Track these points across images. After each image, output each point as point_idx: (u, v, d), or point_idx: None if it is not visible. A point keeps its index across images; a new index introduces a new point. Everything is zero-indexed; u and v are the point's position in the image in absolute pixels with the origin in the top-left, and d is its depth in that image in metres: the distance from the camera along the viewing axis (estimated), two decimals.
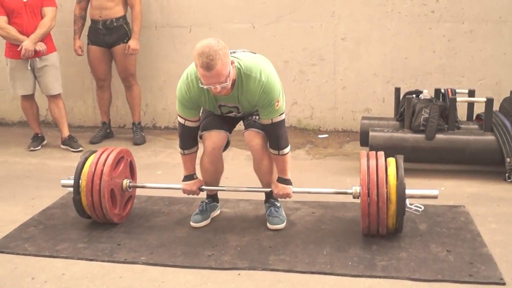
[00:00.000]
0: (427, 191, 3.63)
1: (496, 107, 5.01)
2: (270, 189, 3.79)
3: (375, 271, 3.24)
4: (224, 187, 3.97)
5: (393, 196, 3.44)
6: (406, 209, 3.49)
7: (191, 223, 3.90)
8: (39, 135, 6.07)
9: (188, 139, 3.72)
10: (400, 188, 3.44)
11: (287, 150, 3.63)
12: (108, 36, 5.88)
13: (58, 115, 5.92)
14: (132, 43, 5.85)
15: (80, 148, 5.80)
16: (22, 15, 5.61)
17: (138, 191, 4.26)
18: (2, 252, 3.63)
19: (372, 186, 3.44)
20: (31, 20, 5.64)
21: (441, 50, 5.81)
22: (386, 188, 3.44)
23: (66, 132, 5.93)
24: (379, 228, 3.53)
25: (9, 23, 5.62)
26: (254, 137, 3.69)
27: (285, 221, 3.87)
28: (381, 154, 3.65)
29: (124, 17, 5.92)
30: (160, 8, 6.28)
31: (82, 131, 6.51)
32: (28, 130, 6.22)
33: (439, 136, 4.75)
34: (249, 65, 3.43)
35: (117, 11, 5.87)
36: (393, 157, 3.66)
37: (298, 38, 6.03)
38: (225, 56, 3.22)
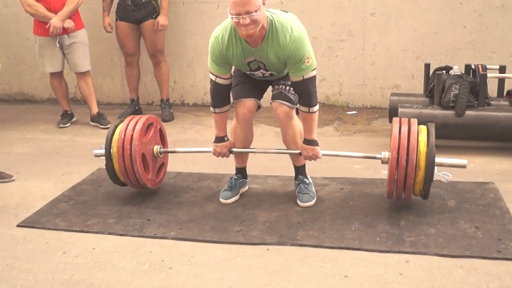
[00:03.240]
0: (456, 160, 3.60)
1: None
2: (299, 151, 3.76)
3: (403, 247, 3.23)
4: (253, 149, 3.96)
5: (422, 163, 3.42)
6: (434, 177, 3.47)
7: (221, 199, 3.92)
8: (68, 112, 6.12)
9: (219, 97, 3.72)
10: (430, 155, 3.41)
11: (316, 107, 3.61)
12: (137, 12, 5.89)
13: (87, 92, 5.96)
14: (161, 19, 5.86)
15: (109, 125, 5.82)
16: None
17: (168, 167, 4.28)
18: (34, 227, 3.68)
19: (402, 151, 3.41)
20: None
21: (471, 25, 5.73)
22: (416, 154, 3.42)
23: (95, 109, 5.98)
24: (405, 194, 3.54)
25: (37, 0, 5.65)
26: (280, 106, 3.70)
27: (315, 197, 3.87)
28: (414, 120, 3.62)
29: None
30: None
31: (111, 108, 6.57)
32: (57, 107, 6.28)
33: (469, 112, 4.70)
34: (281, 20, 3.43)
35: None
36: (425, 124, 3.64)
37: (327, 13, 5.98)
38: None
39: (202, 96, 6.53)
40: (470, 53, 5.75)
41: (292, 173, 4.05)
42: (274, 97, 3.75)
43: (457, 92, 4.71)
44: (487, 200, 3.80)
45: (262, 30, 3.37)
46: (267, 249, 3.28)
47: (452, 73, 4.90)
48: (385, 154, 3.64)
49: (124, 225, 3.65)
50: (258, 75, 3.70)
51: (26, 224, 3.73)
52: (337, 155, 3.95)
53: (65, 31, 5.67)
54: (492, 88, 5.15)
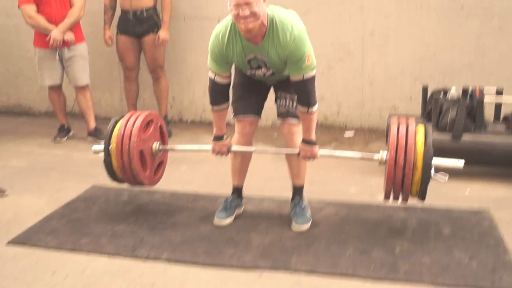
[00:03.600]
0: (452, 160, 3.59)
1: None
2: (297, 150, 3.74)
3: (397, 275, 3.21)
4: (253, 147, 3.95)
5: (419, 163, 3.40)
6: (432, 177, 3.46)
7: (215, 220, 3.91)
8: (65, 126, 6.11)
9: (217, 94, 3.71)
10: (427, 155, 3.40)
11: (315, 107, 3.61)
12: (138, 26, 5.89)
13: (85, 106, 5.95)
14: (162, 33, 5.86)
15: None
16: (51, 4, 5.64)
17: (162, 186, 4.27)
18: (24, 245, 3.66)
19: (400, 151, 3.39)
20: (60, 9, 5.66)
21: (469, 47, 5.73)
22: (414, 154, 3.40)
23: (92, 124, 5.97)
24: (402, 195, 3.51)
25: (38, 11, 5.65)
26: (288, 127, 3.78)
27: (310, 221, 3.85)
28: (412, 120, 3.60)
29: (154, 8, 5.93)
30: None
31: (109, 123, 6.52)
32: (55, 120, 6.26)
33: (465, 136, 4.69)
34: (282, 18, 3.43)
35: (148, 1, 5.87)
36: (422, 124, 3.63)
37: (326, 32, 5.98)
38: None
39: (200, 113, 6.52)
40: (468, 74, 5.75)
41: (288, 194, 4.04)
42: (281, 115, 3.79)
43: (454, 116, 4.70)
44: (482, 228, 3.78)
45: (262, 27, 3.38)
46: (259, 276, 3.26)
47: (450, 96, 4.89)
48: (382, 154, 3.61)
49: (117, 246, 3.62)
50: (259, 74, 3.67)
51: (16, 241, 3.72)
52: (334, 156, 3.94)
53: (65, 43, 5.67)
54: (489, 112, 5.12)
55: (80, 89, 5.89)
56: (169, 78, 6.26)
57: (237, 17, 3.30)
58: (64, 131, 6.08)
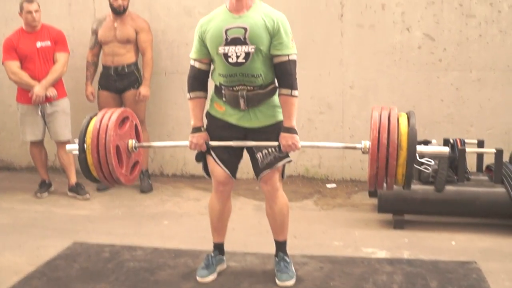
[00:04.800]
0: (437, 147, 3.54)
1: (506, 157, 4.98)
2: (277, 143, 3.61)
3: None
4: (230, 142, 3.70)
5: (404, 143, 3.28)
6: (417, 161, 3.38)
7: (197, 278, 3.84)
8: (47, 181, 6.05)
9: (195, 81, 3.68)
10: (412, 133, 3.30)
11: (297, 93, 3.61)
12: (119, 81, 5.92)
13: (66, 162, 5.91)
14: (143, 89, 5.88)
15: (87, 195, 5.78)
16: (34, 61, 5.66)
17: (144, 242, 4.21)
18: None
19: (383, 131, 3.29)
20: (43, 66, 5.68)
21: (449, 99, 5.80)
22: (397, 134, 3.30)
23: (73, 179, 5.91)
24: (387, 179, 3.35)
25: (22, 68, 5.67)
26: (269, 177, 3.70)
27: (294, 277, 3.80)
28: (393, 107, 3.52)
29: (135, 64, 5.97)
30: (170, 55, 6.32)
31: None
32: (36, 175, 6.19)
33: (448, 188, 4.70)
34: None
35: (129, 57, 5.92)
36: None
37: (306, 85, 5.99)
38: None
39: (181, 167, 6.50)
40: (449, 126, 5.80)
41: (271, 249, 3.98)
42: (260, 171, 3.70)
43: (436, 167, 4.73)
44: (470, 280, 3.75)
45: (249, 1, 3.52)
46: None
47: None
48: (366, 143, 3.47)
49: None
50: (231, 54, 3.52)
51: None
52: (317, 146, 3.91)
53: (48, 99, 5.67)
54: (471, 162, 5.16)
55: (62, 144, 5.85)
56: (150, 131, 6.25)
57: None
58: (45, 186, 6.02)
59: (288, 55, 3.53)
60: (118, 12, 5.84)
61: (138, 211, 5.41)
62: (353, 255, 4.20)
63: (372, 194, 5.07)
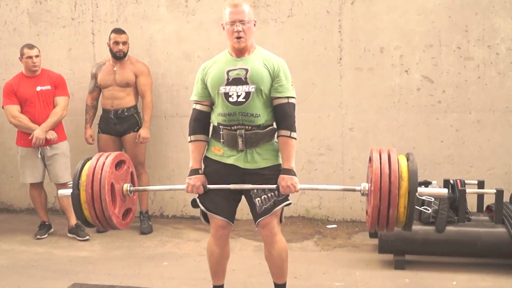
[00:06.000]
0: (437, 189, 3.53)
1: (506, 197, 4.98)
2: (276, 185, 3.59)
3: None
4: (229, 185, 3.67)
5: (405, 174, 3.27)
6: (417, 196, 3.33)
7: None
8: (46, 223, 6.04)
9: (197, 123, 3.71)
10: (413, 164, 3.31)
11: (296, 134, 3.64)
12: (119, 125, 5.96)
13: (66, 204, 5.89)
14: (143, 132, 5.92)
15: (87, 237, 5.76)
16: (34, 104, 5.72)
17: (143, 283, 4.18)
18: None
19: (384, 175, 3.25)
20: (43, 109, 5.74)
21: (449, 140, 5.83)
22: (398, 167, 3.28)
23: (73, 221, 5.90)
24: (388, 221, 3.29)
25: (22, 111, 5.73)
26: (267, 222, 3.65)
27: None
28: (392, 148, 3.50)
29: (135, 107, 6.02)
30: (170, 98, 6.38)
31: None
32: (36, 217, 6.19)
33: (449, 228, 4.69)
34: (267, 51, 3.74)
35: (129, 101, 5.98)
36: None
37: (306, 128, 6.07)
38: (251, 7, 3.62)
39: (181, 208, 6.49)
40: (449, 167, 5.82)
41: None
42: (258, 216, 3.67)
43: (437, 207, 4.72)
44: None
45: (251, 46, 3.65)
46: None
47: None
48: (365, 185, 3.48)
49: None
50: (232, 94, 3.57)
51: None
52: (316, 189, 3.88)
53: (48, 142, 5.70)
54: (471, 203, 5.16)
55: (62, 186, 5.85)
56: (150, 173, 6.27)
57: (231, 33, 3.55)
58: (44, 228, 6.00)
59: (287, 98, 3.59)
60: (118, 57, 5.92)
61: (138, 252, 5.38)
62: None
63: (372, 234, 5.06)
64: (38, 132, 5.62)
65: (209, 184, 3.68)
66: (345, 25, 5.92)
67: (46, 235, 5.95)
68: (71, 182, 3.60)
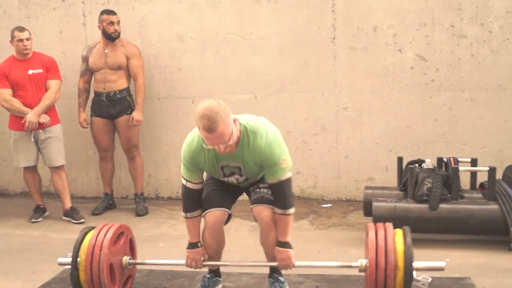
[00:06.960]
0: (433, 263, 3.55)
1: (499, 175, 5.00)
2: (276, 263, 3.68)
3: None
4: (227, 262, 3.86)
5: (401, 263, 3.35)
6: (414, 281, 3.38)
7: None
8: (41, 206, 6.05)
9: (190, 201, 3.68)
10: (408, 253, 3.37)
11: (292, 210, 3.58)
12: (112, 107, 5.94)
13: (61, 187, 5.91)
14: (136, 115, 5.90)
15: (82, 220, 5.77)
16: (26, 88, 5.69)
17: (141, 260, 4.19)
18: None
19: (380, 252, 3.36)
20: (35, 93, 5.71)
21: (442, 119, 5.84)
22: (394, 255, 3.36)
23: (68, 204, 5.91)
24: None
25: (14, 95, 5.70)
26: (264, 210, 3.65)
27: None
28: (389, 224, 3.59)
29: (127, 89, 5.99)
30: (163, 80, 6.36)
31: (85, 202, 6.48)
32: (30, 201, 6.20)
33: (442, 206, 4.72)
34: (255, 125, 3.45)
35: (121, 83, 5.95)
36: (400, 228, 3.60)
37: (301, 108, 6.07)
38: (227, 117, 3.22)
39: (177, 190, 6.49)
40: (442, 145, 5.83)
41: (266, 269, 3.96)
42: (256, 201, 3.69)
43: (430, 185, 4.74)
44: None
45: (237, 139, 3.39)
46: None
47: (425, 167, 4.95)
48: (362, 262, 3.54)
49: None
50: (232, 181, 3.67)
51: None
52: (314, 266, 3.89)
53: (41, 126, 5.68)
54: (464, 180, 5.18)
55: (56, 169, 5.87)
56: (145, 156, 6.27)
57: (217, 149, 3.34)
58: (39, 211, 6.01)
59: (279, 178, 3.51)
60: (114, 38, 5.88)
61: (133, 234, 5.36)
62: (348, 273, 4.18)
63: (367, 213, 5.07)
64: (31, 116, 5.60)
65: (209, 184, 3.75)
66: (338, 4, 5.90)
67: (41, 219, 5.96)
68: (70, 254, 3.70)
